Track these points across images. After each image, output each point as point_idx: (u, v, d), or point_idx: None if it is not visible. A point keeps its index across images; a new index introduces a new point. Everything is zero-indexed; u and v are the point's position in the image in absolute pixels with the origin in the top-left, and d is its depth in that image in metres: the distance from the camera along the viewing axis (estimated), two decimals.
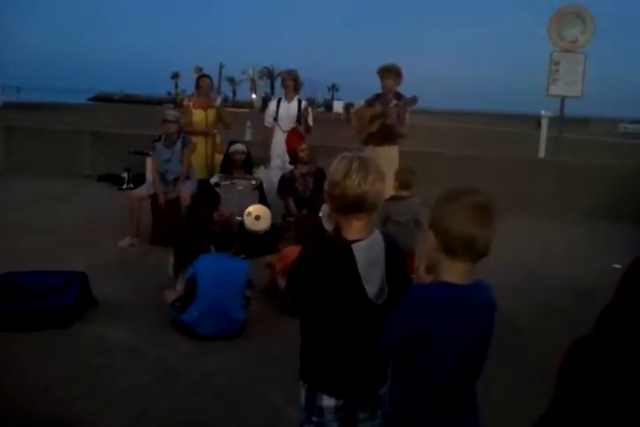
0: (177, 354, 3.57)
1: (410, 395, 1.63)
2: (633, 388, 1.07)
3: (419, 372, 1.62)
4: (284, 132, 6.54)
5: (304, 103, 6.66)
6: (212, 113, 6.58)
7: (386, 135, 5.75)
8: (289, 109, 6.58)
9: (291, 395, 2.39)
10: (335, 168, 1.80)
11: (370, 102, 5.92)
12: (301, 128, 6.50)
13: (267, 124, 6.77)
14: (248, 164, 6.21)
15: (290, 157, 6.31)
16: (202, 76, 6.92)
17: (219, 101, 6.93)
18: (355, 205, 1.77)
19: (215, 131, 6.71)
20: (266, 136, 6.83)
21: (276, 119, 6.61)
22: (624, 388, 1.08)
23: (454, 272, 1.58)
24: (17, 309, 3.82)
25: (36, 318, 3.79)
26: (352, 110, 6.26)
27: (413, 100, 5.75)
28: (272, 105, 6.77)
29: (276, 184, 6.18)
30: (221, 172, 6.15)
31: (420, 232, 4.35)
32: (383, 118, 5.64)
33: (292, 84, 6.65)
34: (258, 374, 3.34)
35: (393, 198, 4.45)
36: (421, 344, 1.58)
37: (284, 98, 6.70)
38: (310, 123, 6.60)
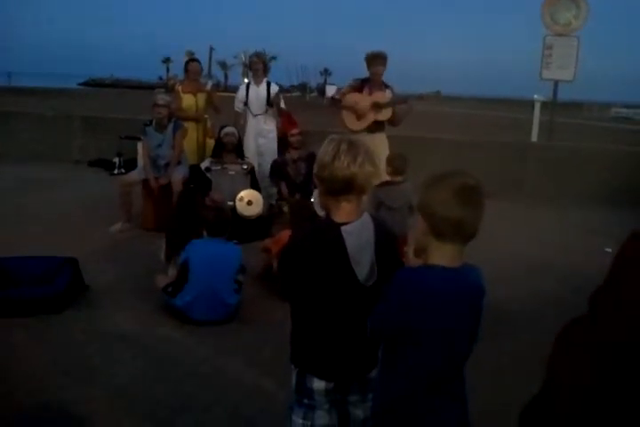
0: (169, 339, 3.58)
1: (399, 379, 1.63)
2: (625, 366, 1.06)
3: (408, 356, 1.61)
4: (255, 115, 6.54)
5: (273, 86, 6.59)
6: (202, 98, 6.51)
7: (380, 122, 5.80)
8: (258, 93, 6.53)
9: (284, 380, 2.39)
10: (324, 150, 1.79)
11: (357, 88, 5.82)
12: (274, 109, 6.52)
13: (237, 110, 6.71)
14: (239, 148, 6.17)
15: (282, 141, 6.30)
16: (190, 61, 6.75)
17: (209, 86, 6.84)
18: (344, 187, 1.76)
19: (206, 116, 6.64)
20: (237, 122, 6.73)
21: (246, 104, 6.57)
22: (616, 366, 1.07)
23: (444, 255, 1.57)
24: (7, 295, 3.80)
25: (27, 304, 3.78)
26: (336, 96, 6.02)
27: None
28: (241, 90, 6.69)
29: (257, 168, 6.22)
30: (212, 156, 6.10)
31: (412, 217, 4.34)
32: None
33: (262, 66, 6.61)
34: (251, 358, 3.35)
35: (386, 184, 4.43)
36: (410, 328, 1.58)
37: (252, 82, 6.64)
38: (282, 106, 6.61)
